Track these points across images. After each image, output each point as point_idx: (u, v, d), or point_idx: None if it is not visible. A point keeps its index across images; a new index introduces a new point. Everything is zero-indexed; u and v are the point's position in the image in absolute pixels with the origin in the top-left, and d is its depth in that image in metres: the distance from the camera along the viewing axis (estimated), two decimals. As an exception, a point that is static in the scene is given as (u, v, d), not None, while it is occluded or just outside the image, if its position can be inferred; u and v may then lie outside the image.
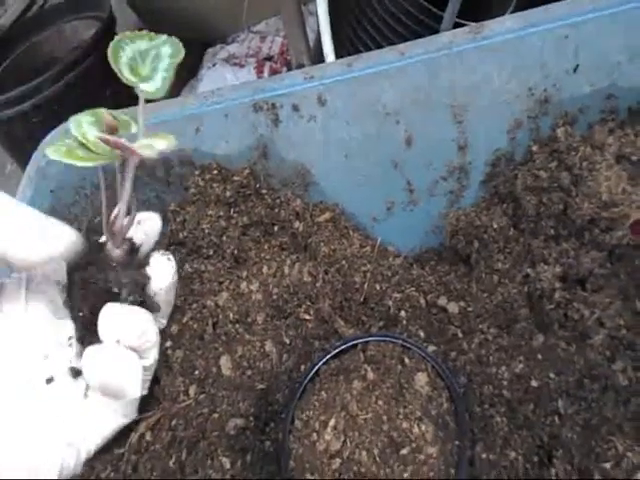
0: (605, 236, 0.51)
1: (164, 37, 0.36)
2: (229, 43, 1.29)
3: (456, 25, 0.68)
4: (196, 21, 1.32)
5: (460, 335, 0.57)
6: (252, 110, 0.71)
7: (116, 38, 0.34)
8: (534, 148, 0.65)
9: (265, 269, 0.69)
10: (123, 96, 0.79)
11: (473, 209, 0.68)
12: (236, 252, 0.71)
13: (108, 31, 1.07)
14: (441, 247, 0.70)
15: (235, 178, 0.73)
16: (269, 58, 1.21)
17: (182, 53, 0.37)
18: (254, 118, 0.71)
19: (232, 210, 0.72)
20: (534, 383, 0.48)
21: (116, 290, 0.34)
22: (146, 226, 0.38)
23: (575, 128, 0.66)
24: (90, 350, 0.31)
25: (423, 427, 0.47)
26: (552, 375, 0.47)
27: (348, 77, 0.68)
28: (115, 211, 0.35)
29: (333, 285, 0.66)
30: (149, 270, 0.37)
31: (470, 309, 0.59)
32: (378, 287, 0.66)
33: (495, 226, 0.63)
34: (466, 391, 0.51)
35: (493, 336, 0.54)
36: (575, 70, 0.65)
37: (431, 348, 0.58)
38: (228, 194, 0.72)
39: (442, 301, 0.62)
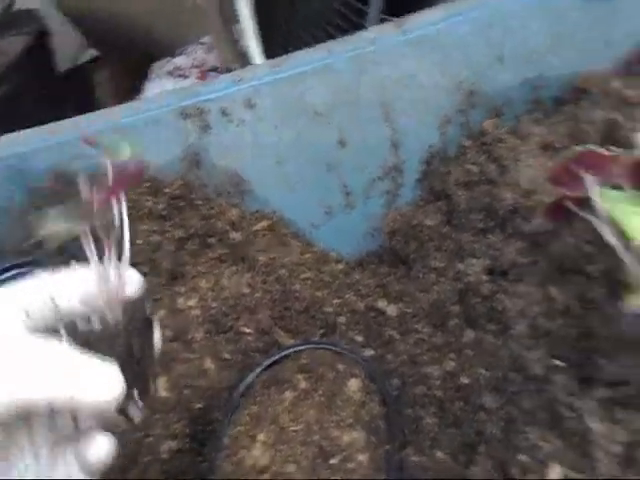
0: (526, 225, 0.52)
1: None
2: (176, 56, 1.30)
3: (385, 21, 0.69)
4: (142, 37, 1.32)
5: (397, 337, 0.58)
6: (181, 117, 0.71)
7: None
8: (465, 143, 0.67)
9: (203, 283, 0.69)
10: (60, 110, 0.79)
11: (410, 208, 0.69)
12: (173, 267, 0.71)
13: (40, 44, 1.06)
14: (382, 249, 0.71)
15: (167, 190, 0.73)
16: (214, 69, 1.22)
17: None
18: (183, 125, 0.72)
19: (167, 223, 0.72)
20: (464, 380, 0.49)
21: None
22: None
23: (503, 120, 0.68)
24: None
25: (354, 434, 0.48)
26: (481, 370, 0.48)
27: (276, 78, 0.69)
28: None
29: (272, 295, 0.67)
30: None
31: (408, 310, 0.60)
32: (319, 294, 0.66)
33: (430, 224, 0.64)
34: (400, 394, 0.52)
35: (428, 335, 0.55)
36: (501, 61, 0.66)
37: (369, 352, 0.59)
38: (161, 207, 0.72)
39: (381, 304, 0.63)
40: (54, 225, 0.39)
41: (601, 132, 0.59)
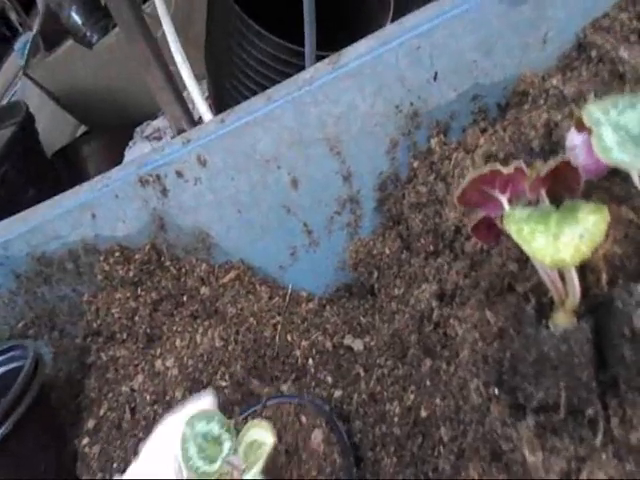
0: (467, 244, 0.50)
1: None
2: (155, 118, 1.34)
3: (323, 58, 0.69)
4: (122, 105, 1.37)
5: (362, 373, 0.56)
6: (139, 185, 0.73)
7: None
8: (415, 164, 0.66)
9: (178, 342, 0.70)
10: (45, 197, 0.82)
11: (371, 237, 0.68)
12: (149, 330, 0.72)
13: (24, 132, 1.12)
14: (352, 282, 0.70)
15: (137, 256, 0.74)
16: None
17: None
18: (143, 193, 0.73)
19: (139, 289, 0.74)
20: (423, 413, 0.46)
21: None
22: None
23: (450, 135, 0.66)
24: None
25: (317, 486, 0.46)
26: (438, 401, 0.46)
27: (222, 133, 0.70)
28: None
29: (244, 345, 0.66)
30: None
31: (373, 343, 0.58)
32: (289, 338, 0.66)
33: (388, 252, 0.62)
34: (361, 437, 0.50)
35: (389, 369, 0.53)
36: (435, 78, 0.65)
37: (338, 393, 0.57)
38: (132, 274, 0.73)
39: (348, 340, 0.61)
40: None
41: (542, 135, 0.57)
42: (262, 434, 0.40)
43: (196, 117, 0.91)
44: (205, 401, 0.46)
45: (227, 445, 0.40)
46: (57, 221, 0.76)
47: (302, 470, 0.48)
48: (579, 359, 0.34)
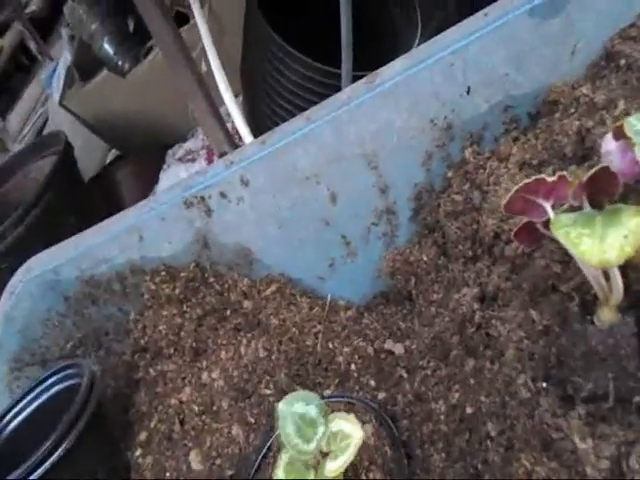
0: (507, 249, 0.53)
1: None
2: (186, 140, 1.41)
3: (359, 78, 0.74)
4: (154, 130, 1.45)
5: (405, 375, 0.59)
6: (184, 207, 0.77)
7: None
8: (449, 174, 0.69)
9: (223, 354, 0.73)
10: (88, 222, 0.87)
11: (407, 246, 0.71)
12: (195, 344, 0.75)
13: (65, 161, 1.18)
14: (388, 289, 0.73)
15: (182, 274, 0.79)
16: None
17: None
18: (188, 214, 0.78)
19: (185, 305, 0.78)
20: (469, 410, 0.49)
21: None
22: None
23: (483, 146, 0.69)
24: None
25: (371, 475, 0.49)
26: (483, 398, 0.48)
27: (264, 154, 0.74)
28: None
29: (287, 354, 0.70)
30: None
31: (414, 346, 0.61)
32: (330, 345, 0.69)
33: (425, 258, 0.65)
34: (409, 435, 0.53)
35: (432, 370, 0.56)
36: (468, 92, 0.69)
37: (381, 395, 0.60)
38: (177, 291, 0.78)
39: (388, 345, 0.64)
40: None
41: (574, 141, 0.60)
42: (349, 427, 0.43)
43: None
44: None
45: (321, 429, 0.44)
46: (106, 244, 0.80)
47: (354, 461, 0.50)
48: (625, 351, 0.36)
